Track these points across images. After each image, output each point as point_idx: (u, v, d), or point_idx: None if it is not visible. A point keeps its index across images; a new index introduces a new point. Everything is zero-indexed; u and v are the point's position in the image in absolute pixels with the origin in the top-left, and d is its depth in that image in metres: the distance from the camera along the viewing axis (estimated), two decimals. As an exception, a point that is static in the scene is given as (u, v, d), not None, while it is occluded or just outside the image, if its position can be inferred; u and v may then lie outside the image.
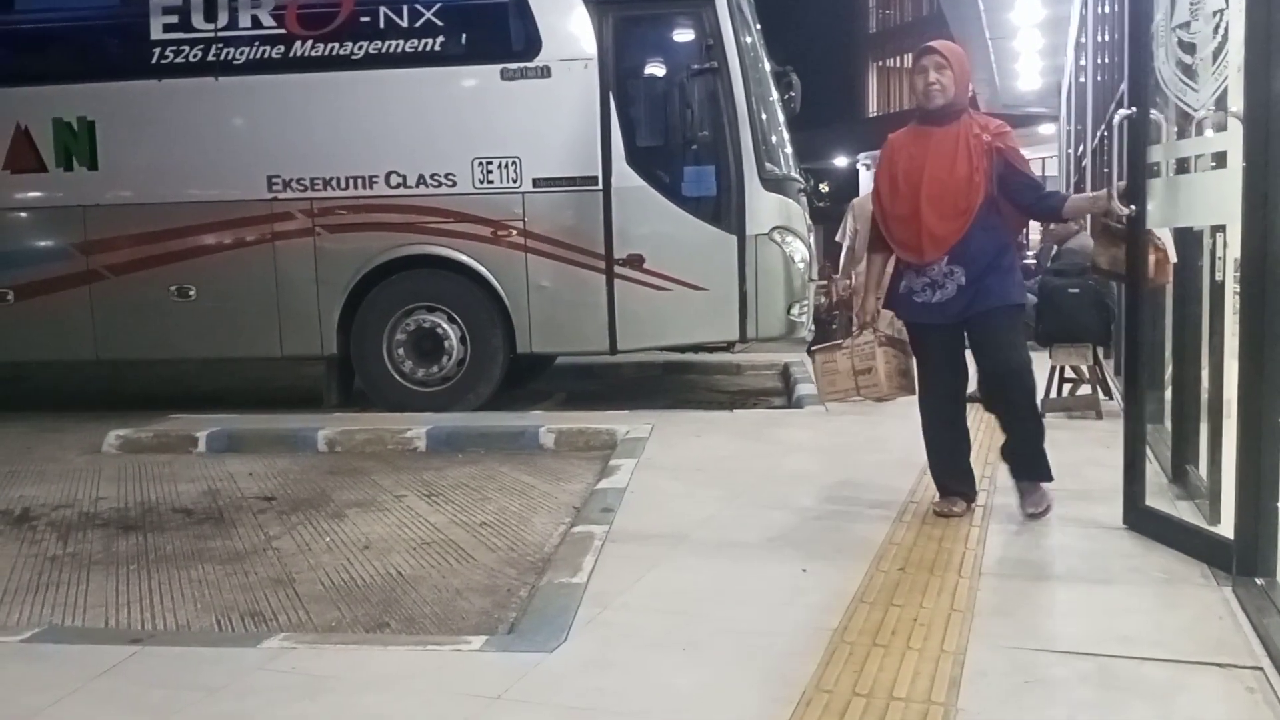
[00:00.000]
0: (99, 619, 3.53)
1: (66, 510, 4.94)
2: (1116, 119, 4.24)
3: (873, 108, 40.09)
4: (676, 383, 9.09)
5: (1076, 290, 6.14)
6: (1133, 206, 3.63)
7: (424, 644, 3.03)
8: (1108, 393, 6.54)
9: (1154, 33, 3.67)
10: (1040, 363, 6.55)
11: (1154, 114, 3.67)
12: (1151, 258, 3.73)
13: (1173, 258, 4.14)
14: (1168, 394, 5.13)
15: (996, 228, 3.90)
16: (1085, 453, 5.24)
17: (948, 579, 3.35)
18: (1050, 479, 4.08)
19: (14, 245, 7.42)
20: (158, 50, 7.07)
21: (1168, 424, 5.01)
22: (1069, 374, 6.53)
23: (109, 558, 4.20)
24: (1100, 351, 6.60)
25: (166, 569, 4.02)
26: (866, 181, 34.16)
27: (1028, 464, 4.09)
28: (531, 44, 6.85)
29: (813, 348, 4.08)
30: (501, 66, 6.86)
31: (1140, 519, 3.82)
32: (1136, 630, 2.93)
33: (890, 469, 4.98)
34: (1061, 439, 5.57)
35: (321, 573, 3.93)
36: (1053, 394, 6.36)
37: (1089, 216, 6.99)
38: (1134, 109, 3.71)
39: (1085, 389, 6.42)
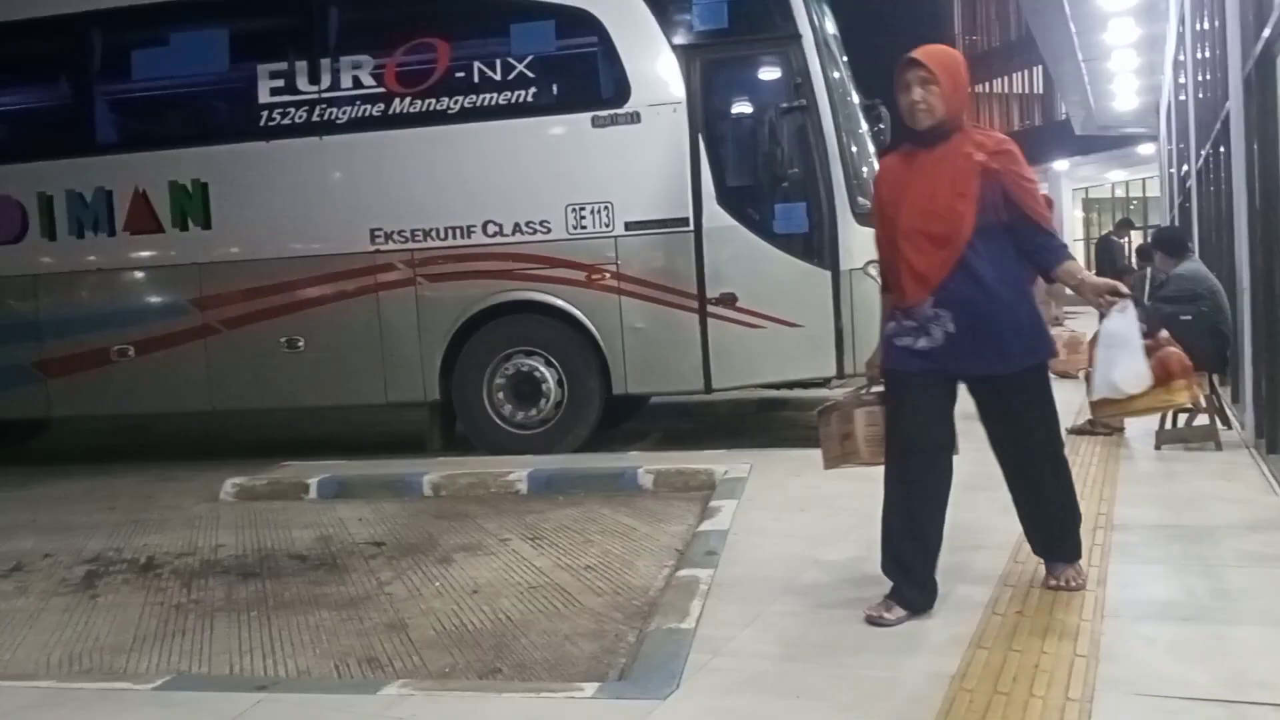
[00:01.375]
0: (224, 665, 3.65)
1: (189, 558, 5.14)
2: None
3: (961, 134, 39.54)
4: (772, 420, 9.03)
5: (1189, 317, 5.94)
6: (1118, 308, 3.37)
7: (537, 691, 3.06)
8: (1225, 422, 6.29)
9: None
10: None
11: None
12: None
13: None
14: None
15: (997, 266, 3.27)
16: (1206, 485, 5.05)
17: (1068, 622, 3.25)
18: (1079, 556, 3.58)
19: (134, 303, 7.79)
20: (265, 113, 7.39)
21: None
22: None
23: (231, 604, 4.35)
24: (1216, 380, 6.36)
25: (285, 615, 4.14)
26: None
27: (1054, 544, 3.55)
28: (621, 91, 6.96)
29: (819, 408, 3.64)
30: (592, 114, 6.99)
31: None
32: (1272, 674, 2.80)
33: (1002, 507, 4.82)
34: (1180, 471, 5.40)
35: (433, 618, 4.00)
36: (1168, 425, 6.14)
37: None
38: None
39: (1202, 419, 6.18)
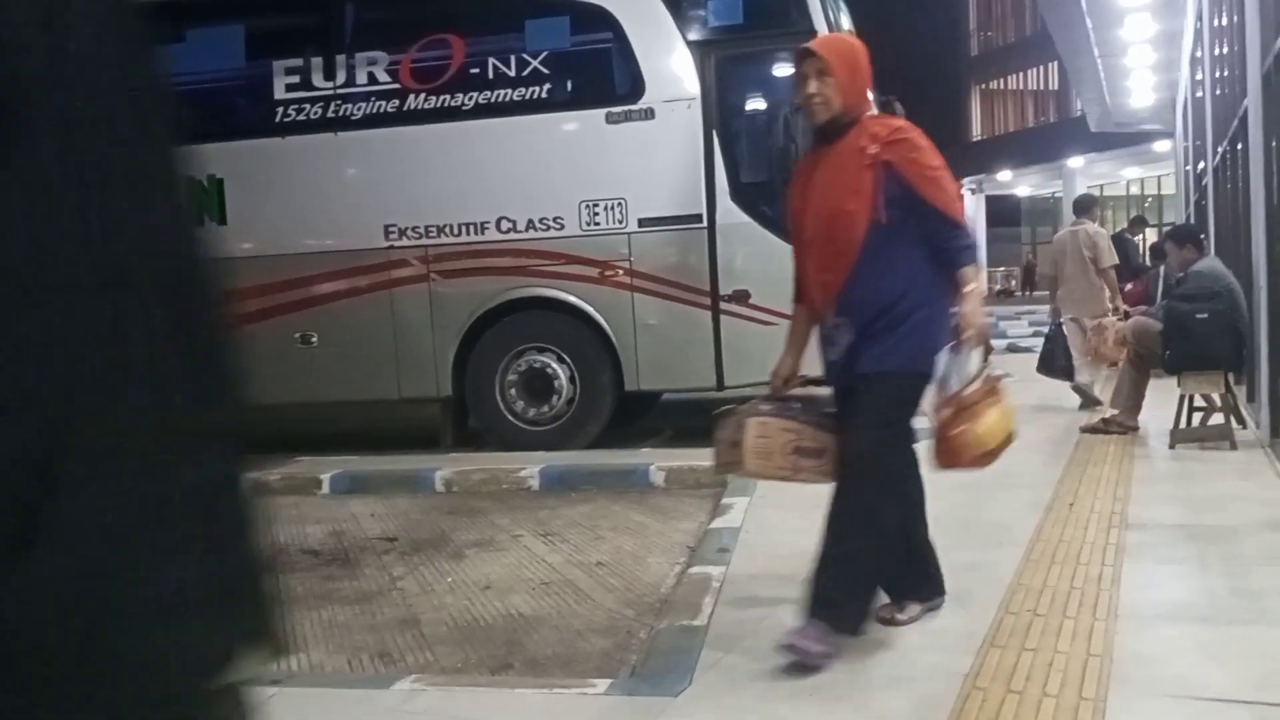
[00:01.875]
0: (238, 659, 3.66)
1: (203, 552, 5.15)
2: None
3: (977, 130, 39.41)
4: (785, 417, 9.01)
5: (1206, 315, 5.90)
6: (949, 347, 3.00)
7: (550, 686, 3.07)
8: (1241, 421, 6.25)
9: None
10: (1157, 393, 6.35)
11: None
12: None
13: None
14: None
15: (900, 268, 2.98)
16: (1224, 485, 5.01)
17: (1082, 621, 3.24)
18: (852, 633, 3.03)
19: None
20: (281, 109, 7.41)
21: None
22: (1199, 403, 6.26)
23: (244, 599, 4.35)
24: (1232, 378, 6.32)
25: (299, 610, 4.14)
26: (969, 205, 33.56)
27: (826, 599, 2.99)
28: (636, 87, 6.95)
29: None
30: (606, 110, 6.98)
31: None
32: (1292, 677, 2.78)
33: (1018, 506, 4.84)
34: (1196, 471, 5.37)
35: (445, 613, 4.01)
36: (1182, 424, 6.11)
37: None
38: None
39: (1217, 418, 6.14)
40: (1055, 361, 7.56)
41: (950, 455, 3.04)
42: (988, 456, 3.08)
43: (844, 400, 3.13)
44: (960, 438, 3.00)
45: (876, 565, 3.10)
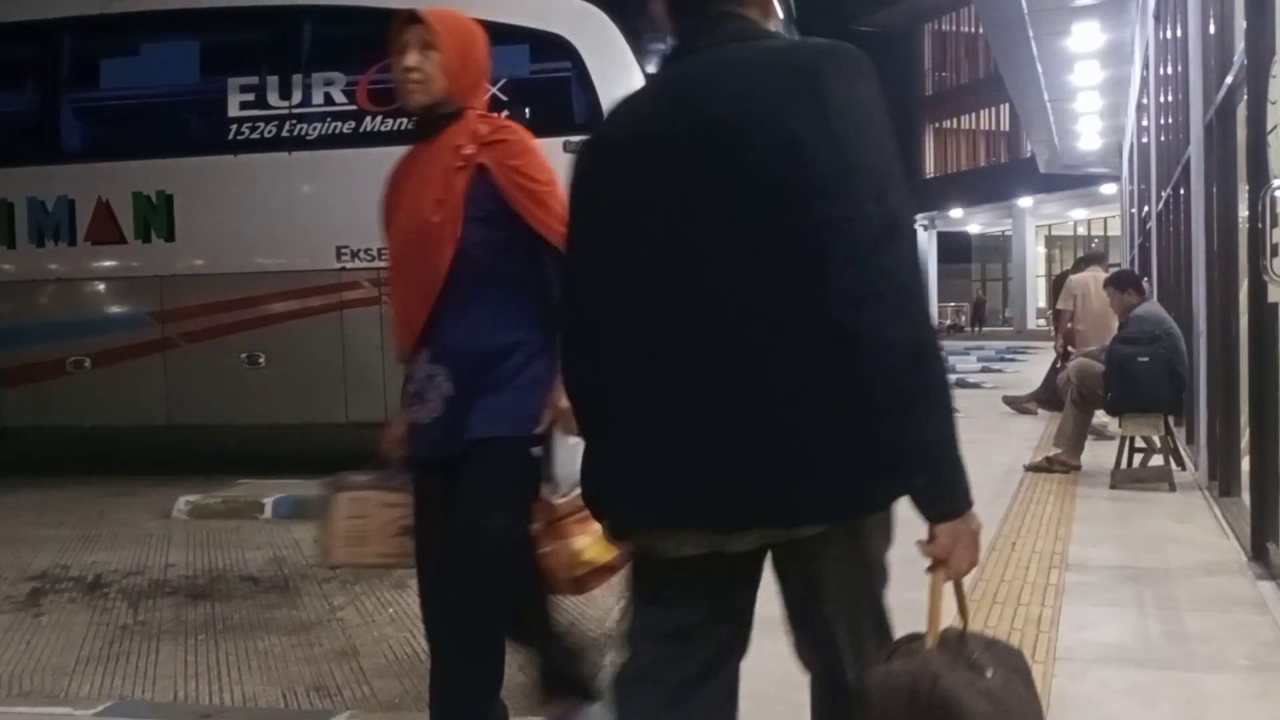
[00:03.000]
0: (168, 691, 3.57)
1: (137, 577, 5.03)
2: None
3: (930, 168, 40.09)
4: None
5: (1147, 359, 6.02)
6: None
7: (488, 723, 3.01)
8: (1180, 463, 6.38)
9: None
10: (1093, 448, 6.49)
11: None
12: None
13: None
14: (1245, 465, 5.00)
15: (510, 306, 2.35)
16: (1160, 526, 5.10)
17: (1021, 663, 3.26)
18: None
19: (92, 313, 7.67)
20: (234, 126, 7.33)
21: (1245, 498, 4.88)
22: (1140, 444, 6.38)
23: (178, 627, 4.26)
24: (1171, 421, 6.45)
25: (234, 639, 4.06)
26: (921, 239, 34.06)
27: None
28: (594, 116, 6.96)
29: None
30: (564, 139, 6.98)
31: None
32: (1223, 722, 2.82)
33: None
34: (1135, 512, 5.46)
35: (386, 645, 3.94)
36: (1123, 464, 6.22)
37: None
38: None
39: (1157, 459, 6.26)
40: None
41: (544, 577, 2.34)
42: (591, 579, 2.33)
43: (439, 475, 2.37)
44: (548, 559, 2.31)
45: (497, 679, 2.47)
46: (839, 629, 1.65)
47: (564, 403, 2.00)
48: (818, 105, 1.44)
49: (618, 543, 1.71)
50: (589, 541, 2.26)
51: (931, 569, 1.52)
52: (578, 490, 1.96)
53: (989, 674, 1.52)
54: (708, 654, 1.68)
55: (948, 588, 1.55)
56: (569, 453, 2.12)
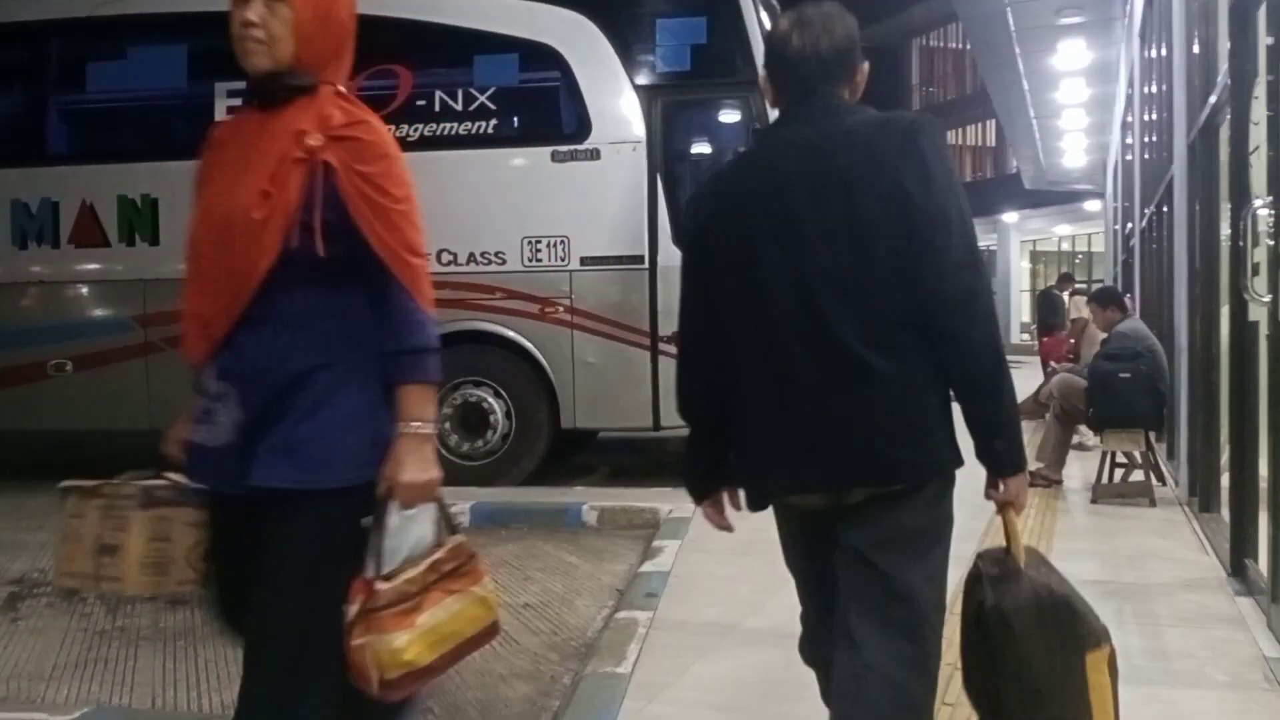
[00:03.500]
0: (146, 698, 3.55)
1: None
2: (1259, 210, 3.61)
3: (916, 182, 40.30)
4: (720, 459, 9.05)
5: (1129, 375, 6.06)
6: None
7: (469, 734, 3.01)
8: (1160, 479, 6.42)
9: None
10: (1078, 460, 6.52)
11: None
12: None
13: None
14: (1224, 481, 5.04)
15: (326, 325, 1.96)
16: (1142, 542, 5.13)
17: (1002, 677, 3.27)
18: None
19: (75, 317, 7.63)
20: (221, 131, 7.29)
21: (1225, 514, 4.91)
22: (1121, 459, 6.42)
23: (157, 633, 4.23)
24: (1153, 436, 6.49)
25: (213, 645, 4.02)
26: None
27: None
28: (582, 127, 6.99)
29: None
30: (552, 149, 7.01)
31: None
32: (1201, 738, 2.84)
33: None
34: (1116, 528, 5.48)
35: (366, 654, 3.92)
36: (1104, 479, 6.25)
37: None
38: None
39: (1138, 475, 6.30)
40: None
41: (353, 673, 1.91)
42: (406, 682, 1.94)
43: (231, 508, 2.00)
44: (359, 653, 1.90)
45: None
46: (904, 574, 2.00)
47: (404, 470, 1.91)
48: (918, 162, 1.92)
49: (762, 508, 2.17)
50: (409, 639, 1.91)
51: (1001, 510, 2.06)
52: (406, 569, 1.93)
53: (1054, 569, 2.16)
54: (816, 590, 2.20)
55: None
56: (401, 523, 1.94)
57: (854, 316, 1.93)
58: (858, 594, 2.00)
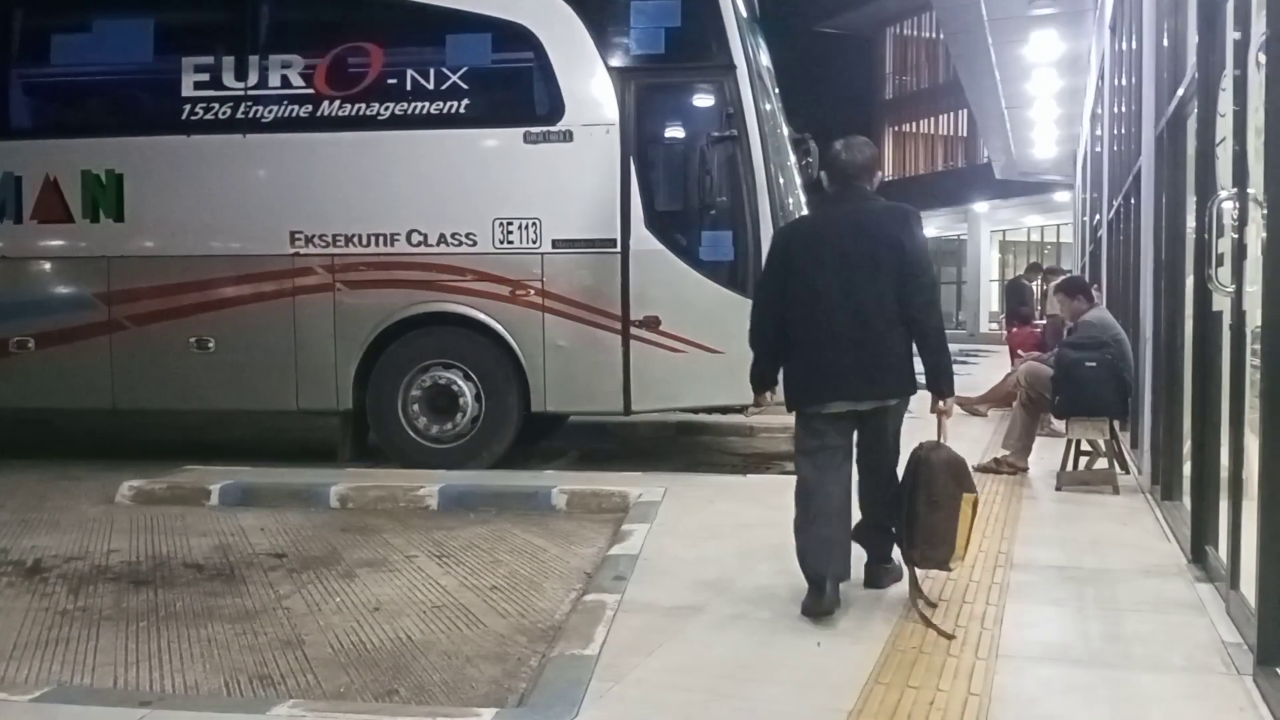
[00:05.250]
0: (108, 678, 3.51)
1: (78, 562, 4.94)
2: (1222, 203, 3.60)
3: (889, 171, 40.39)
4: (690, 444, 9.06)
5: (1094, 364, 6.12)
6: None
7: (434, 715, 3.01)
8: (1124, 467, 6.49)
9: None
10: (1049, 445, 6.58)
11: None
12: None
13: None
14: (1186, 470, 5.10)
15: None
16: (1104, 529, 5.19)
17: (964, 660, 3.31)
18: None
19: (37, 294, 7.50)
20: (188, 107, 7.20)
21: (1186, 501, 4.98)
22: (1085, 447, 6.49)
23: (119, 613, 4.18)
24: (1117, 425, 6.56)
25: (176, 627, 4.00)
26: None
27: None
28: (555, 108, 6.95)
29: None
30: (525, 130, 6.96)
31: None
32: (1159, 720, 2.88)
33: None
34: (1079, 514, 5.55)
35: (331, 635, 3.90)
36: (1069, 467, 6.32)
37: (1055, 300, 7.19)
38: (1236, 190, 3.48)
39: (1102, 463, 6.37)
40: None
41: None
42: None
43: None
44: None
45: None
46: (890, 446, 3.97)
47: None
48: (908, 231, 3.79)
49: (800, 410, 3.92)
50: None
51: (938, 415, 3.87)
52: None
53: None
54: (838, 455, 3.88)
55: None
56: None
57: (870, 306, 3.75)
58: (869, 450, 3.97)
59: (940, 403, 3.84)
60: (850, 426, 3.87)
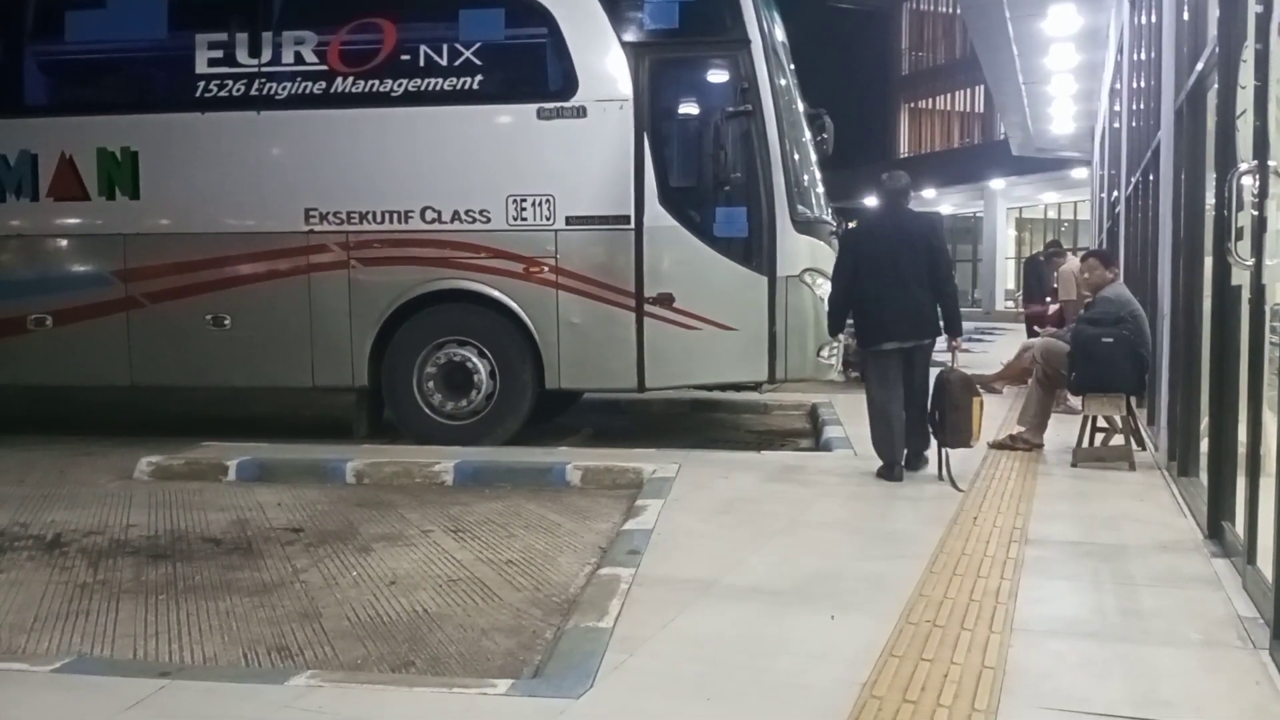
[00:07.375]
0: (128, 649, 3.55)
1: (98, 537, 4.99)
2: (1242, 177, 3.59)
3: (904, 148, 40.15)
4: (704, 421, 9.07)
5: (1111, 340, 6.08)
6: None
7: (450, 686, 3.03)
8: (1140, 443, 6.46)
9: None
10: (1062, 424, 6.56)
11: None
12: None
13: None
14: (1203, 446, 5.08)
15: None
16: (1119, 505, 5.17)
17: (979, 633, 3.31)
18: None
19: (54, 271, 7.54)
20: (202, 84, 7.20)
21: (1203, 478, 4.96)
22: (1101, 424, 6.46)
23: (138, 586, 4.23)
24: (1133, 401, 6.53)
25: (195, 599, 4.04)
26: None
27: None
28: (568, 84, 6.92)
29: None
30: (538, 106, 6.94)
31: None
32: (1173, 694, 2.88)
33: (921, 518, 4.95)
34: (1094, 491, 5.54)
35: (348, 608, 3.94)
36: (1085, 443, 6.29)
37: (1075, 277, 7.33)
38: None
39: (1118, 439, 6.34)
40: None
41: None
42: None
43: None
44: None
45: None
46: (922, 374, 5.93)
47: None
48: (934, 232, 6.10)
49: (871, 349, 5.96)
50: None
51: (953, 350, 6.11)
52: None
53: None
54: (895, 378, 5.86)
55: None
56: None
57: (911, 280, 5.75)
58: (910, 374, 5.87)
59: (953, 341, 6.00)
60: (899, 360, 5.81)
